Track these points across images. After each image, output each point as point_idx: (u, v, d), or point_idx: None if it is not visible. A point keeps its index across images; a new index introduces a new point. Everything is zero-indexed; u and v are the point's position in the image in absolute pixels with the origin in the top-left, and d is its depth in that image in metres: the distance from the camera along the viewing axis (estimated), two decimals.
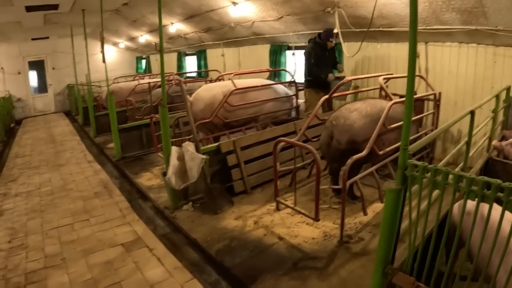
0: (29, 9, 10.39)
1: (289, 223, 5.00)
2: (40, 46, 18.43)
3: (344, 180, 4.32)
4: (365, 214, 5.04)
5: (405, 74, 5.96)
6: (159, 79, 11.22)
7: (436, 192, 2.58)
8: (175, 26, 12.09)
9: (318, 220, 4.64)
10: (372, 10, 6.45)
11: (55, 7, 10.72)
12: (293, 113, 8.27)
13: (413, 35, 2.47)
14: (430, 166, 2.48)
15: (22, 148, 11.79)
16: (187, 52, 16.14)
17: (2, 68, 16.96)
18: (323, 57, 7.85)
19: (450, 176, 2.42)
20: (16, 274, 4.52)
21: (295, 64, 9.84)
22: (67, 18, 12.48)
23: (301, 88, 8.38)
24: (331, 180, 5.56)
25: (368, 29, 6.48)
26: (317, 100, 7.32)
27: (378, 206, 5.31)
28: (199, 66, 14.87)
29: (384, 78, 5.71)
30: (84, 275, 4.37)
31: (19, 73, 18.46)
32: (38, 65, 19.21)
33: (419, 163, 2.53)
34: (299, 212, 4.93)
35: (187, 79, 13.20)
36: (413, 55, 2.52)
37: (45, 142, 12.57)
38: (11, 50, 17.87)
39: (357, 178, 4.78)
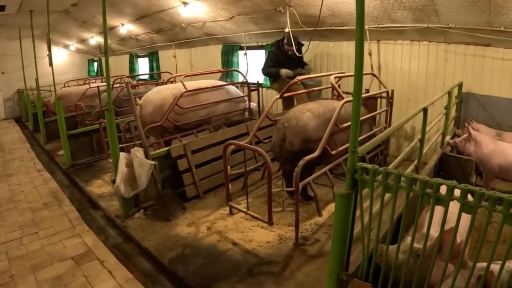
0: None
1: (243, 228, 4.92)
2: None
3: (297, 182, 4.25)
4: (320, 215, 5.01)
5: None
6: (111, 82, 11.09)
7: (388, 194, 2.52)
8: (126, 27, 11.84)
9: (271, 224, 4.58)
10: (324, 8, 6.44)
11: (1, 8, 10.40)
12: (246, 114, 8.18)
13: (359, 32, 2.40)
14: (381, 169, 2.42)
15: None
16: (139, 54, 15.88)
17: None
18: (284, 62, 7.72)
19: (403, 178, 2.38)
20: None
21: (247, 65, 9.76)
22: (15, 19, 12.12)
23: (254, 88, 8.29)
24: (284, 182, 5.50)
25: (315, 28, 6.46)
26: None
27: (333, 206, 5.22)
28: (151, 68, 14.67)
29: (336, 77, 5.67)
30: None
31: None
32: None
33: (369, 166, 2.46)
34: (252, 216, 4.85)
35: (140, 82, 13.00)
36: (360, 53, 2.44)
37: None
38: None
39: (310, 179, 4.74)
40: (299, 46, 7.69)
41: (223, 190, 5.92)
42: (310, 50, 7.62)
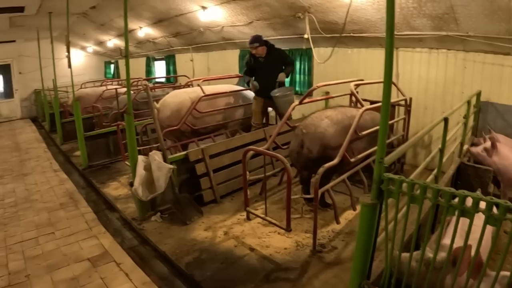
0: None
1: (260, 233, 4.90)
2: (6, 50, 17.87)
3: (316, 189, 4.23)
4: (338, 222, 4.98)
5: (376, 80, 6.00)
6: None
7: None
8: (144, 30, 11.90)
9: (289, 231, 4.56)
10: (343, 15, 6.44)
11: (20, 9, 10.45)
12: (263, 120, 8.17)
13: (389, 41, 2.38)
14: (407, 180, 2.41)
15: None
16: (156, 57, 15.95)
17: None
18: (259, 67, 7.34)
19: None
20: None
21: None
22: (34, 21, 12.20)
23: None
24: (302, 189, 5.48)
25: (341, 35, 6.44)
26: (258, 108, 7.40)
27: (350, 214, 5.27)
28: (168, 71, 14.70)
29: (355, 85, 5.66)
30: None
31: None
32: (4, 70, 18.63)
33: (396, 176, 2.45)
34: (270, 222, 4.83)
35: (156, 85, 13.04)
36: (389, 62, 2.43)
37: (9, 149, 12.19)
38: None
39: (329, 186, 4.71)
40: (269, 47, 7.27)
41: (239, 195, 5.96)
42: (327, 56, 7.59)
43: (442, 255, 2.56)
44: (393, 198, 2.53)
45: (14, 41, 17.41)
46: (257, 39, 7.06)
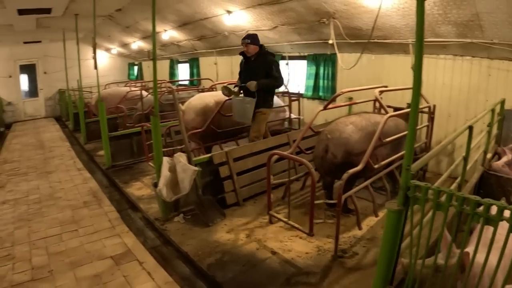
0: (21, 12, 10.28)
1: (282, 237, 4.92)
2: (32, 50, 18.31)
3: (340, 195, 4.24)
4: (360, 228, 4.97)
5: (400, 87, 5.97)
6: (151, 87, 11.24)
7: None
8: (168, 33, 12.03)
9: (312, 235, 4.57)
10: (367, 21, 6.46)
11: (47, 11, 10.62)
12: (286, 124, 8.18)
13: (419, 49, 2.41)
14: (433, 187, 2.42)
15: (11, 154, 11.64)
16: (180, 60, 16.07)
17: None
18: (245, 69, 6.83)
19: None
20: (2, 286, 4.40)
21: (289, 74, 9.72)
22: (60, 22, 12.39)
23: (294, 98, 8.31)
24: (324, 194, 5.49)
25: (369, 40, 6.43)
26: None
27: (372, 220, 5.25)
28: (191, 74, 14.79)
29: (380, 91, 5.67)
30: None
31: (10, 76, 18.35)
32: (29, 69, 19.05)
33: (422, 184, 2.47)
34: (293, 227, 4.85)
35: (179, 87, 13.13)
36: (419, 70, 2.45)
37: (34, 147, 12.41)
38: (2, 53, 17.77)
39: (352, 192, 4.71)
40: (262, 51, 6.61)
41: (262, 199, 6.00)
42: (352, 63, 7.58)
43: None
44: (419, 205, 2.55)
45: (39, 41, 17.74)
46: (249, 36, 6.61)
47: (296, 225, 4.76)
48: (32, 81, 19.35)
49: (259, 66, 6.54)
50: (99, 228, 5.80)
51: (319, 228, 5.01)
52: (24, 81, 19.39)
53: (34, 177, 8.82)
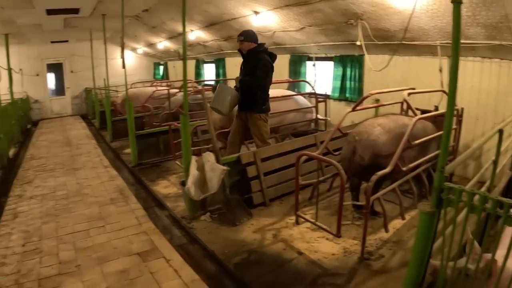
0: (50, 12, 10.47)
1: (308, 238, 4.92)
2: (59, 49, 18.75)
3: (368, 196, 4.22)
4: (387, 231, 4.93)
5: (428, 89, 5.92)
6: (177, 86, 11.33)
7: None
8: (195, 33, 12.10)
9: (339, 236, 4.56)
10: (395, 22, 6.43)
11: (75, 11, 10.81)
12: (312, 125, 8.17)
13: (455, 52, 2.40)
14: (467, 189, 2.42)
15: (38, 150, 11.87)
16: (206, 60, 16.15)
17: (21, 69, 17.13)
18: (242, 68, 6.66)
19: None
20: (29, 279, 4.50)
21: (316, 75, 9.70)
22: (87, 22, 12.60)
23: (321, 99, 8.29)
24: (351, 196, 5.48)
25: (401, 42, 6.38)
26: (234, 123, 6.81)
27: (398, 223, 5.21)
28: (217, 74, 14.84)
29: (408, 93, 5.63)
30: (99, 284, 4.33)
31: (37, 75, 18.79)
32: (56, 68, 19.54)
33: (456, 186, 2.47)
34: (321, 228, 4.85)
35: (205, 87, 13.18)
36: (455, 72, 2.45)
37: (61, 144, 12.64)
38: (30, 52, 18.15)
39: (380, 194, 4.69)
40: (257, 49, 6.35)
41: (288, 199, 6.02)
42: (378, 64, 7.54)
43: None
44: (452, 207, 2.55)
45: (67, 41, 18.08)
46: (243, 33, 6.37)
47: (324, 226, 4.76)
48: (59, 80, 19.75)
49: (251, 64, 6.31)
50: (126, 225, 5.88)
51: (345, 229, 5.00)
52: (51, 79, 19.83)
53: (61, 174, 8.98)
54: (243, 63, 6.57)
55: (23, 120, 15.39)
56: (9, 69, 12.06)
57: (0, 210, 6.82)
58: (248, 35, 6.33)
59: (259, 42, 6.40)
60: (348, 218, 5.33)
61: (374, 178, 4.22)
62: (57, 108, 19.64)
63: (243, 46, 6.37)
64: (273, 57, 6.39)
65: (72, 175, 8.76)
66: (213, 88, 6.54)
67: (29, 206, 6.92)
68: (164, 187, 7.23)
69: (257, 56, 6.25)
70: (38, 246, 5.34)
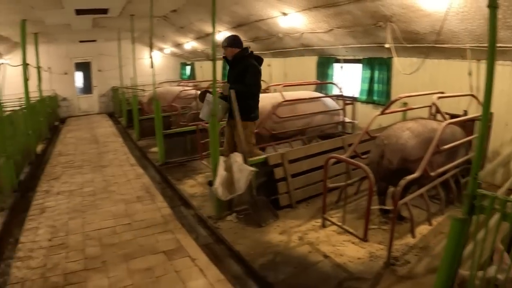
0: (79, 12, 10.66)
1: (334, 241, 4.89)
2: (87, 49, 19.16)
3: (396, 201, 4.19)
4: (413, 236, 4.88)
5: (458, 93, 5.84)
6: (204, 86, 11.37)
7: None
8: (222, 34, 12.07)
9: (366, 241, 4.54)
10: (426, 25, 6.37)
11: (104, 11, 10.98)
12: (339, 128, 8.09)
13: (491, 56, 2.39)
14: (501, 196, 2.40)
15: (66, 147, 12.09)
16: None
17: (49, 68, 17.51)
18: (229, 73, 6.38)
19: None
20: (55, 273, 4.60)
21: (343, 77, 9.63)
22: (115, 22, 12.81)
23: (349, 102, 8.23)
24: (378, 200, 5.43)
25: (434, 45, 6.30)
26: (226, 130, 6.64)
27: (425, 228, 5.13)
28: None
29: (438, 97, 5.57)
30: (124, 281, 4.39)
31: (65, 73, 19.23)
32: (84, 67, 20.00)
33: (489, 193, 2.44)
34: (347, 232, 4.83)
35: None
36: (490, 77, 2.43)
37: (88, 142, 12.84)
38: (59, 51, 18.62)
39: (408, 199, 4.65)
40: (242, 54, 6.08)
41: (315, 202, 6.01)
42: (407, 67, 7.46)
43: None
44: (485, 214, 2.52)
45: (95, 40, 18.43)
46: (226, 39, 6.15)
47: (351, 230, 4.74)
48: (87, 78, 20.11)
49: (238, 70, 6.07)
50: (152, 223, 5.95)
51: (371, 234, 4.95)
52: (79, 78, 20.29)
53: (89, 170, 9.13)
54: (229, 70, 6.32)
55: (51, 117, 15.74)
56: (38, 68, 12.31)
57: (28, 205, 6.97)
58: (231, 41, 6.10)
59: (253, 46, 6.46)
60: (375, 222, 5.29)
61: (402, 182, 4.19)
62: (85, 106, 20.00)
63: (227, 52, 6.15)
64: (259, 60, 6.20)
65: (99, 172, 8.90)
66: (201, 96, 6.34)
67: (56, 201, 7.07)
68: (190, 187, 7.27)
69: (244, 62, 6.04)
70: (65, 241, 5.46)
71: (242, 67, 5.99)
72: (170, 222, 5.98)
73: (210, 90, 5.99)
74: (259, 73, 6.09)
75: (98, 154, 10.59)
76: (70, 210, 6.62)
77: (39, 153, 10.86)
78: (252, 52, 6.19)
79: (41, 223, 6.10)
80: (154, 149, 9.55)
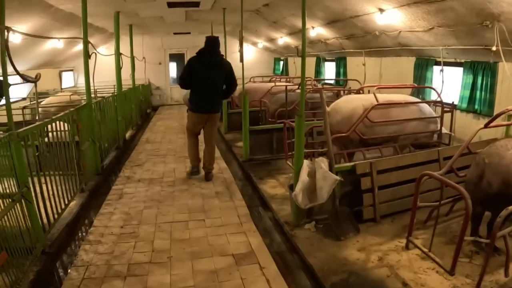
0: (170, 5, 10.83)
1: (417, 268, 4.34)
2: (181, 41, 19.96)
3: (494, 234, 3.65)
4: (506, 275, 4.09)
5: None
6: (296, 83, 11.19)
7: None
8: (316, 30, 11.82)
9: (453, 275, 3.99)
10: None
11: (196, 4, 11.08)
12: (435, 137, 7.37)
13: None
14: None
15: (154, 135, 12.45)
16: (326, 58, 15.72)
17: (144, 58, 18.19)
18: (203, 73, 7.48)
19: None
20: (120, 262, 4.64)
21: (443, 82, 8.84)
22: (208, 15, 12.97)
23: (447, 110, 7.49)
24: (471, 225, 4.80)
25: None
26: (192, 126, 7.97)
27: None
28: (337, 74, 14.36)
29: None
30: (186, 280, 4.30)
31: (159, 63, 20.35)
32: (178, 58, 20.86)
33: None
34: (433, 260, 4.28)
35: (325, 86, 12.92)
36: None
37: (176, 131, 13.11)
38: (154, 42, 19.71)
39: (508, 231, 4.01)
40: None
41: (400, 218, 5.49)
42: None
43: None
44: None
45: (189, 33, 18.99)
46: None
47: (437, 259, 4.17)
48: (180, 69, 20.56)
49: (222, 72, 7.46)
50: (226, 222, 5.84)
51: (458, 264, 4.39)
52: (172, 68, 21.25)
53: (172, 160, 9.28)
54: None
55: (143, 104, 16.38)
56: (132, 57, 12.84)
57: (108, 189, 7.23)
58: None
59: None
60: (464, 250, 4.59)
61: (504, 213, 3.63)
62: (177, 96, 20.70)
63: None
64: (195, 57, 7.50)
65: (182, 163, 8.98)
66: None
67: (136, 188, 7.26)
68: (272, 187, 6.99)
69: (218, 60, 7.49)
70: (136, 230, 5.54)
71: (223, 68, 7.58)
72: (245, 223, 5.82)
73: None
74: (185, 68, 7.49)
75: (184, 145, 10.59)
76: (147, 199, 6.73)
77: (128, 139, 11.23)
78: (203, 50, 7.56)
79: (116, 209, 6.27)
80: (240, 143, 9.48)
